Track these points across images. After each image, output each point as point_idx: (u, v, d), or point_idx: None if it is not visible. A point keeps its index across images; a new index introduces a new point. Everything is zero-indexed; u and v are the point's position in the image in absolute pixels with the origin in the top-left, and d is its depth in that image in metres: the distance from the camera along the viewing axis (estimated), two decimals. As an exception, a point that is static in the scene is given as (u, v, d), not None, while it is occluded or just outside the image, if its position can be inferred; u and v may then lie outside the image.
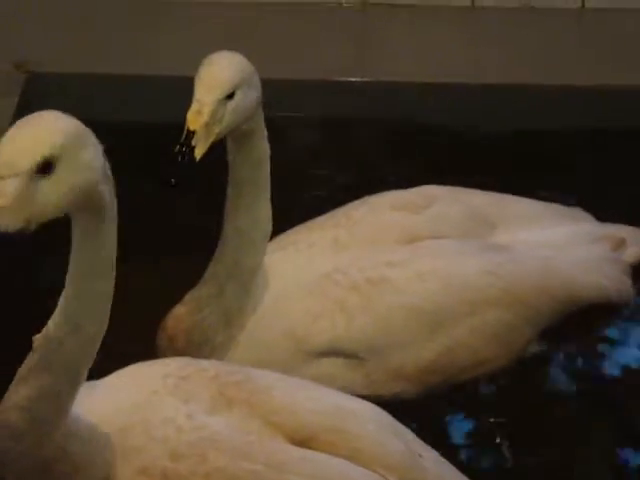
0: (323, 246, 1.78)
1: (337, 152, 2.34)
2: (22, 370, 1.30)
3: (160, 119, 2.34)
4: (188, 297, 1.74)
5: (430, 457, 1.43)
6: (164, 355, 1.68)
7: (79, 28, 2.50)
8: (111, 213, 1.23)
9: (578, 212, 1.95)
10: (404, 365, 1.71)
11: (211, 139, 1.57)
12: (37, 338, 1.29)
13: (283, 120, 2.34)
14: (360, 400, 1.45)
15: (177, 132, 1.64)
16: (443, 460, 1.45)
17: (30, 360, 1.29)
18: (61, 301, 1.26)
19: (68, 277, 1.25)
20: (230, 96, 1.58)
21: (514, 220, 1.87)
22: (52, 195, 1.13)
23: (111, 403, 1.38)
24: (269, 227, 1.71)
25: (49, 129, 1.15)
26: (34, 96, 2.36)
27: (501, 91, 2.44)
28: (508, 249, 1.81)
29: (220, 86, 1.58)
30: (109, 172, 1.22)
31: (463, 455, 1.74)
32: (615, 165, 2.26)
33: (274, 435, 1.36)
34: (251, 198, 1.68)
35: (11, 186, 1.11)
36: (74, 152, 1.15)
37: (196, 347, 1.71)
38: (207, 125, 1.56)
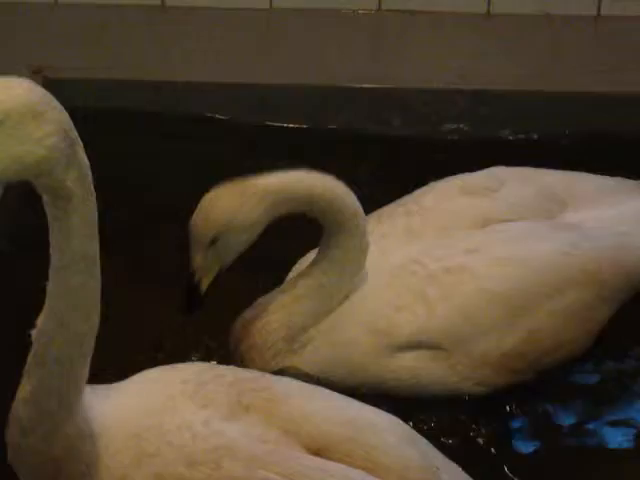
0: (396, 236, 1.78)
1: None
2: (26, 365, 1.30)
3: (175, 124, 2.37)
4: (272, 300, 1.74)
5: (448, 470, 1.41)
6: (237, 358, 1.70)
7: (95, 35, 2.49)
8: (81, 205, 1.20)
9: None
10: (488, 352, 1.71)
11: (213, 274, 1.68)
12: (33, 332, 1.30)
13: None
14: (379, 411, 1.43)
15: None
16: (461, 472, 1.43)
17: (29, 355, 1.30)
18: (47, 296, 1.26)
19: (50, 270, 1.24)
20: (213, 241, 1.64)
21: (585, 197, 1.87)
22: None
23: (127, 406, 1.36)
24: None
25: (4, 92, 1.12)
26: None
27: (517, 98, 2.43)
28: (581, 227, 1.80)
29: (196, 240, 1.65)
30: (83, 161, 1.19)
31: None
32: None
33: (291, 444, 1.34)
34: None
35: None
36: (21, 121, 1.12)
37: (275, 349, 1.72)
38: (202, 265, 1.67)
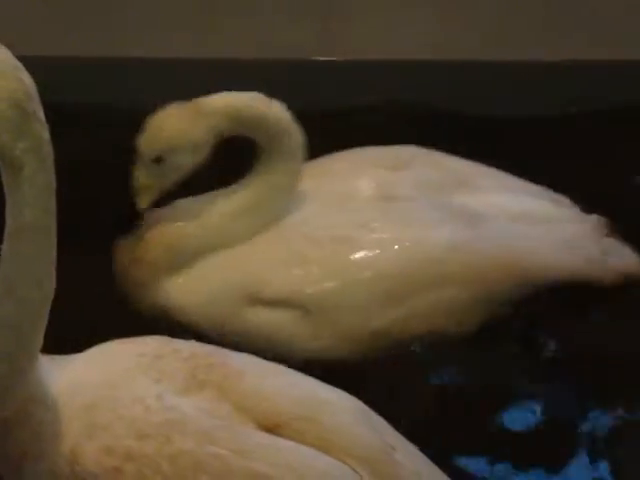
0: (297, 196, 1.78)
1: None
2: None
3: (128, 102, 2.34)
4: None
5: (404, 450, 1.42)
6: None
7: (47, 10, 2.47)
8: (33, 177, 1.20)
9: (564, 199, 1.92)
10: (354, 328, 1.70)
11: (155, 192, 1.70)
12: None
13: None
14: (335, 389, 1.43)
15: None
16: (418, 453, 1.44)
17: None
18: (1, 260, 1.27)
19: (5, 234, 1.25)
20: (158, 160, 1.66)
21: (495, 189, 1.86)
22: None
23: (82, 377, 1.37)
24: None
25: None
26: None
27: (470, 68, 2.44)
28: (481, 220, 1.79)
29: (142, 154, 1.66)
30: (38, 134, 1.19)
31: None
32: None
33: (244, 420, 1.34)
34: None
35: None
36: None
37: (160, 264, 1.73)
38: (143, 186, 1.68)
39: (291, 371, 1.44)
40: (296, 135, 1.72)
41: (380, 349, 1.73)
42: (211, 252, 1.75)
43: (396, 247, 1.72)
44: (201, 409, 1.33)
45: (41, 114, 1.21)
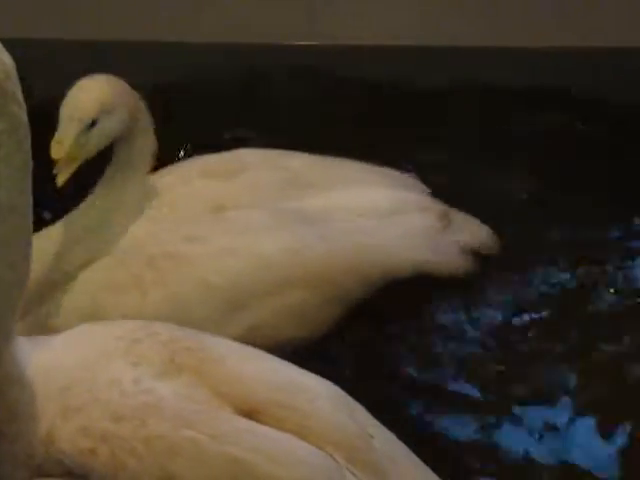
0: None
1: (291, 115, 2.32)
2: None
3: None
4: None
5: (382, 437, 1.41)
6: None
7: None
8: (9, 157, 1.19)
9: (410, 180, 1.90)
10: None
11: (75, 165, 1.62)
12: None
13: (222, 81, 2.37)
14: (314, 376, 1.42)
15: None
16: (395, 440, 1.43)
17: None
18: None
19: None
20: (92, 124, 1.62)
21: (337, 183, 1.81)
22: None
23: (59, 359, 1.35)
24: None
25: None
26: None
27: (449, 52, 2.43)
28: (322, 221, 1.74)
29: (78, 118, 1.60)
30: (15, 116, 1.18)
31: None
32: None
33: (221, 405, 1.33)
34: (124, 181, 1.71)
35: None
36: None
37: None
38: (68, 154, 1.61)
39: (270, 357, 1.43)
40: (152, 144, 1.72)
41: None
42: (60, 282, 1.71)
43: (232, 256, 1.67)
44: (178, 393, 1.32)
45: (19, 95, 1.19)
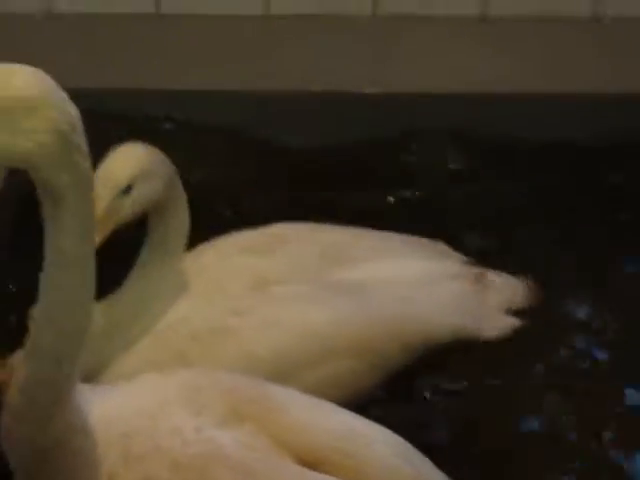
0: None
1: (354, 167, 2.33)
2: (23, 353, 1.31)
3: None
4: None
5: None
6: None
7: (90, 44, 2.51)
8: (73, 209, 1.19)
9: (441, 247, 1.91)
10: None
11: (109, 229, 1.62)
12: (30, 318, 1.31)
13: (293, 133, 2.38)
14: (377, 426, 1.41)
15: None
16: None
17: (26, 344, 1.30)
18: (40, 288, 1.26)
19: (44, 262, 1.25)
20: (127, 190, 1.62)
21: (370, 256, 1.82)
22: None
23: (120, 407, 1.36)
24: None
25: (3, 79, 1.14)
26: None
27: (515, 100, 2.42)
28: (361, 291, 1.75)
29: (114, 182, 1.61)
30: (81, 167, 1.19)
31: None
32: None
33: (282, 455, 1.33)
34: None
35: None
36: (12, 111, 1.13)
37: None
38: (102, 218, 1.61)
39: (331, 405, 1.42)
40: (186, 222, 1.72)
41: None
42: (102, 367, 1.70)
43: (276, 329, 1.69)
44: (239, 442, 1.32)
45: (84, 146, 1.20)
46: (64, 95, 1.19)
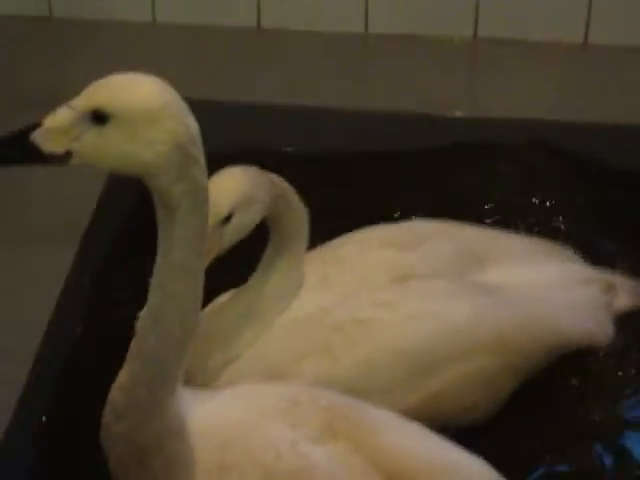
0: (311, 284, 1.73)
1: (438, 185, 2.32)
2: (128, 353, 1.33)
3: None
4: None
5: None
6: None
7: (190, 56, 2.55)
8: (186, 219, 1.22)
9: (568, 251, 1.90)
10: (385, 408, 1.59)
11: (211, 257, 1.58)
12: (137, 323, 1.32)
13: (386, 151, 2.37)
14: (471, 456, 1.39)
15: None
16: None
17: (131, 344, 1.32)
18: (149, 292, 1.29)
19: (154, 268, 1.27)
20: (227, 219, 1.59)
21: (505, 257, 1.82)
22: (98, 145, 1.18)
23: (219, 415, 1.37)
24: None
25: (130, 90, 1.18)
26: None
27: (612, 130, 2.39)
28: (498, 290, 1.75)
29: (213, 212, 1.55)
30: (197, 178, 1.21)
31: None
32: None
33: (374, 476, 1.32)
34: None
35: (64, 115, 1.17)
36: (136, 121, 1.16)
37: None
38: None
39: (428, 432, 1.41)
40: (306, 228, 1.70)
41: None
42: (236, 358, 1.69)
43: (420, 322, 1.67)
44: (333, 459, 1.32)
45: (202, 159, 1.22)
46: (185, 106, 1.21)
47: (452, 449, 1.39)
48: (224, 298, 1.75)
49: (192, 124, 1.21)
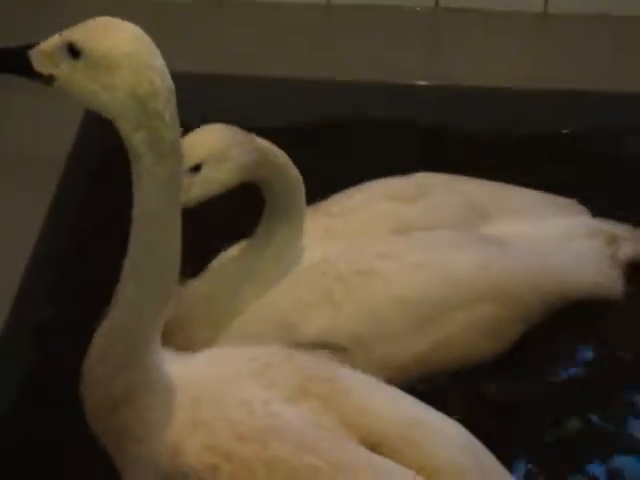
0: (314, 235, 1.76)
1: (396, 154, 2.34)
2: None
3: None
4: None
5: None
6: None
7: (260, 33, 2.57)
8: (152, 168, 1.24)
9: (573, 204, 1.95)
10: (391, 357, 1.68)
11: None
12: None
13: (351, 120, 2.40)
14: (441, 415, 1.43)
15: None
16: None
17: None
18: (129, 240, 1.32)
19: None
20: (196, 169, 1.61)
21: (509, 210, 1.86)
22: (70, 76, 1.25)
23: (194, 373, 1.41)
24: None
25: (109, 32, 1.24)
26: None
27: (567, 97, 2.43)
28: (502, 242, 1.79)
29: (187, 158, 1.56)
30: (159, 128, 1.23)
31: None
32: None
33: (346, 435, 1.35)
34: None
35: (51, 42, 1.26)
36: (98, 62, 1.23)
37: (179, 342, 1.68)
38: None
39: (399, 391, 1.44)
40: (302, 189, 1.71)
41: (420, 375, 1.71)
42: (243, 310, 1.73)
43: (423, 271, 1.71)
44: (304, 419, 1.35)
45: (167, 113, 1.24)
46: (158, 63, 1.23)
47: (421, 407, 1.43)
48: (232, 252, 1.78)
49: (158, 81, 1.23)
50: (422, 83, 2.45)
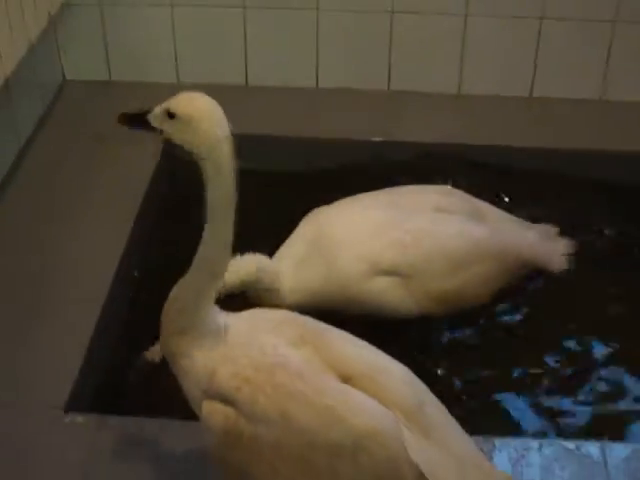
0: (378, 205, 2.53)
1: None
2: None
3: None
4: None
5: (434, 406, 1.76)
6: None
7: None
8: (212, 186, 1.67)
9: (520, 219, 2.79)
10: (433, 288, 2.45)
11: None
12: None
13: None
14: (391, 358, 1.77)
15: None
16: (444, 410, 1.78)
17: None
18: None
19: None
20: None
21: (494, 217, 2.67)
22: (171, 130, 1.71)
23: (230, 324, 1.76)
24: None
25: (190, 102, 1.70)
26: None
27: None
28: (496, 227, 2.60)
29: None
30: (222, 162, 1.64)
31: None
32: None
33: (328, 371, 1.70)
34: None
35: (158, 109, 1.75)
36: (189, 122, 1.69)
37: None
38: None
39: (365, 343, 1.80)
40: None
41: (447, 306, 2.47)
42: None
43: (456, 234, 2.48)
44: (301, 358, 1.70)
45: (228, 152, 1.67)
46: (221, 117, 1.68)
47: (380, 355, 1.78)
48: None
49: (221, 132, 1.66)
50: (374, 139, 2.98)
